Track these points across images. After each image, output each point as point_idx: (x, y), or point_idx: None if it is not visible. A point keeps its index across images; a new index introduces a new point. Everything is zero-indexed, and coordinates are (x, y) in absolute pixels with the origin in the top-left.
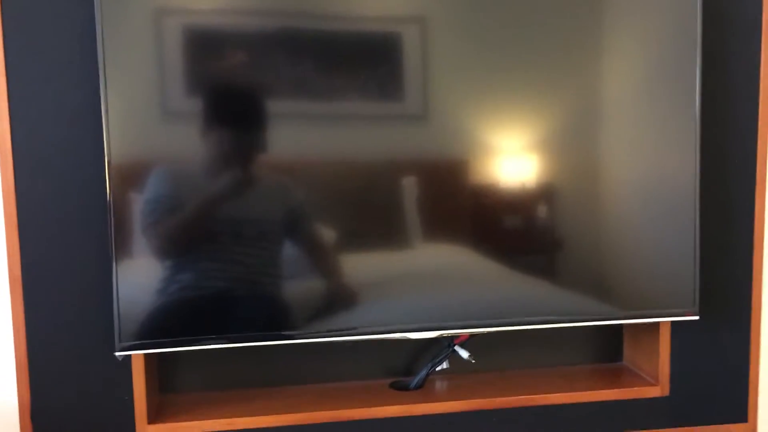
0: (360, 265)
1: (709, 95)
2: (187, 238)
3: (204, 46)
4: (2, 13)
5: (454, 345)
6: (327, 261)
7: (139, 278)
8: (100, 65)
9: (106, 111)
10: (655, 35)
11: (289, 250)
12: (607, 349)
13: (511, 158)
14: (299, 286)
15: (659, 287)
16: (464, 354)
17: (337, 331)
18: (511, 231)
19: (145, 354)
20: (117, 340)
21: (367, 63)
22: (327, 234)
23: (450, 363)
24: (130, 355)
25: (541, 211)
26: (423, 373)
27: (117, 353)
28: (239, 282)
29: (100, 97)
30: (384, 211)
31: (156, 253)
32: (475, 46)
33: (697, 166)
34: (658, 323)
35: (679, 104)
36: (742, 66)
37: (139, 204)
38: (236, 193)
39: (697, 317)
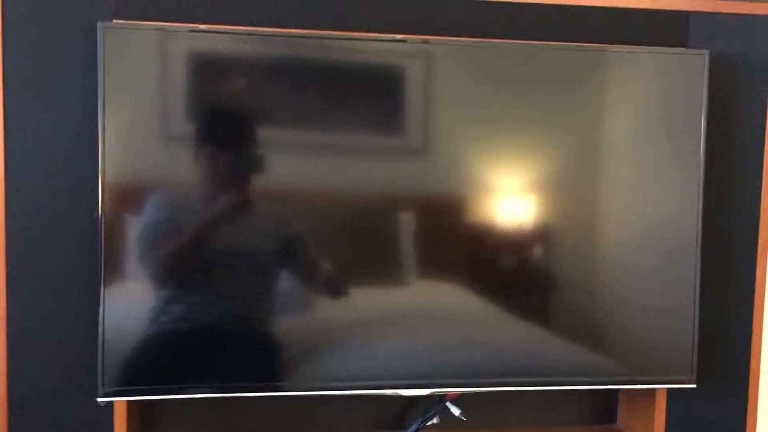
0: (354, 301)
1: (714, 149)
2: (181, 266)
3: (205, 72)
4: (2, 35)
5: (446, 401)
6: (320, 295)
7: (128, 307)
8: (100, 90)
9: (103, 132)
10: (660, 80)
11: (283, 284)
12: (601, 411)
13: (511, 198)
14: (291, 324)
15: (656, 348)
16: (456, 411)
17: (328, 383)
18: (507, 272)
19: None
20: (100, 384)
21: (370, 95)
22: (321, 267)
23: (441, 419)
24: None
25: (538, 252)
26: (413, 427)
27: (99, 399)
28: (230, 317)
29: (98, 120)
30: (379, 245)
31: (147, 281)
32: (478, 84)
33: (700, 220)
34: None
35: (683, 155)
36: (749, 120)
37: (132, 230)
38: (231, 220)
39: (695, 386)
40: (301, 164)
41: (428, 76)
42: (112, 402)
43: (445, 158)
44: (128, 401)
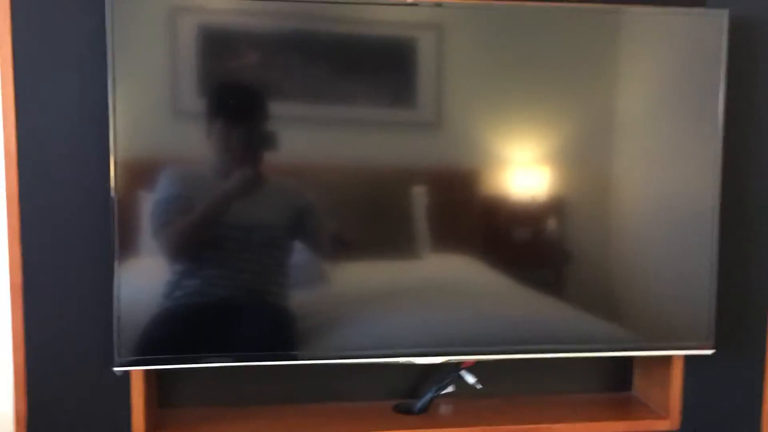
0: (369, 275)
1: (733, 115)
2: (194, 241)
3: (216, 47)
4: (11, 10)
5: (461, 370)
6: (335, 269)
7: (142, 282)
8: (109, 64)
9: (114, 109)
10: (678, 43)
11: (296, 257)
12: (616, 378)
13: (525, 169)
14: (306, 297)
15: (673, 316)
16: (471, 379)
17: (343, 352)
18: (521, 244)
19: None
20: (116, 354)
21: (382, 68)
22: (334, 240)
23: (456, 387)
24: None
25: (553, 224)
26: (428, 396)
27: (116, 369)
28: (245, 291)
29: (108, 95)
30: (393, 218)
31: (161, 256)
32: (490, 55)
33: (718, 188)
34: (670, 355)
35: (701, 121)
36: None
37: (145, 205)
38: (244, 195)
39: (712, 351)
40: (313, 138)
41: (440, 48)
42: (128, 372)
43: (458, 131)
44: (145, 373)
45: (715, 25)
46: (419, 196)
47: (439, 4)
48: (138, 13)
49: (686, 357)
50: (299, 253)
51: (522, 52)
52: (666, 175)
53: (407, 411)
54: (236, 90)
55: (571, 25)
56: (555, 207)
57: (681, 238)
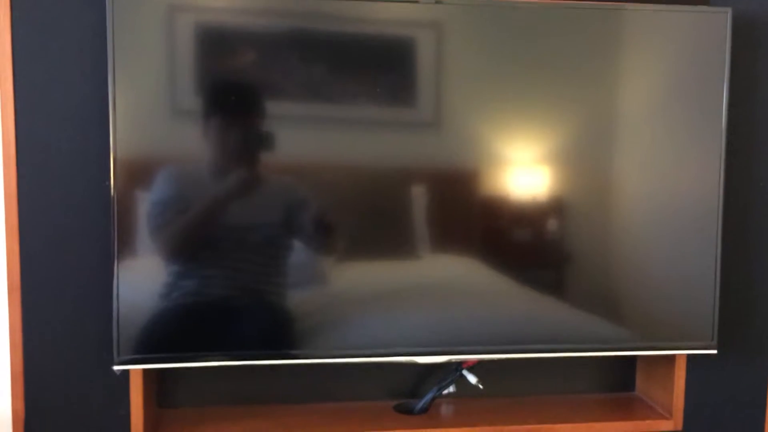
0: (367, 275)
1: (736, 114)
2: (192, 241)
3: (215, 45)
4: (11, 6)
5: (462, 369)
6: (333, 269)
7: (141, 282)
8: (110, 62)
9: (114, 108)
10: (681, 41)
11: (295, 257)
12: (619, 378)
13: (524, 170)
14: (305, 297)
15: (676, 316)
16: (472, 379)
17: (343, 351)
18: (521, 244)
19: (144, 368)
20: (116, 353)
21: (380, 67)
22: (334, 240)
23: (457, 387)
24: (128, 369)
25: (554, 224)
26: (429, 396)
27: (115, 367)
28: (243, 291)
29: (108, 95)
30: (392, 218)
31: (160, 255)
32: (490, 54)
33: (721, 188)
34: (673, 354)
35: (704, 121)
36: None
37: (144, 204)
38: (242, 194)
39: (715, 351)
40: (311, 138)
41: (440, 47)
42: (128, 371)
43: (457, 130)
44: (144, 372)
45: (719, 23)
46: (419, 195)
47: (438, 2)
48: (137, 11)
49: (689, 357)
50: (298, 253)
51: (522, 50)
52: (669, 174)
53: (408, 411)
54: (236, 89)
55: (573, 24)
56: (556, 207)
57: (684, 237)
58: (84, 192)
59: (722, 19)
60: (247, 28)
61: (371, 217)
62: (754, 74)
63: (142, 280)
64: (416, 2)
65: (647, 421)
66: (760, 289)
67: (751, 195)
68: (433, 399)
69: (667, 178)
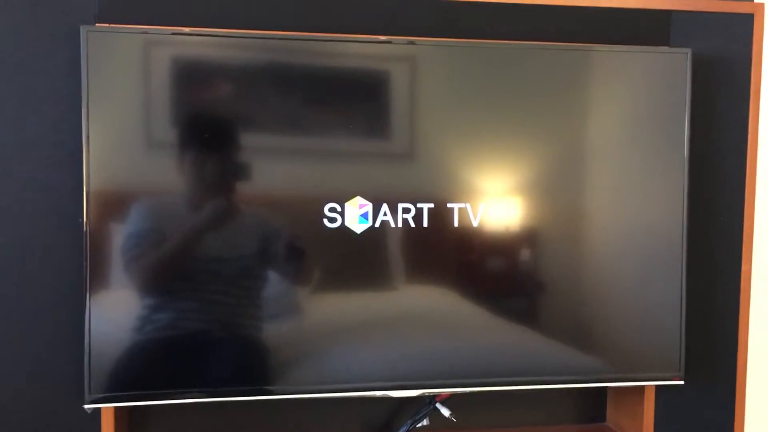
0: (342, 307)
1: (698, 148)
2: (165, 274)
3: (190, 77)
4: None
5: (436, 403)
6: (308, 301)
7: (114, 317)
8: (83, 96)
9: (88, 140)
10: (643, 80)
11: (270, 289)
12: (590, 409)
13: (497, 201)
14: (280, 330)
15: (644, 347)
16: (446, 412)
17: (317, 386)
18: (494, 274)
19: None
20: (87, 390)
21: (355, 100)
22: (308, 270)
23: (430, 420)
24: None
25: (525, 255)
26: (403, 430)
27: (86, 406)
28: (216, 325)
29: (82, 126)
30: (366, 250)
31: (133, 290)
32: (462, 86)
33: (685, 220)
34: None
35: (667, 155)
36: (731, 117)
37: (118, 237)
38: (217, 227)
39: (682, 382)
40: (286, 170)
41: (413, 80)
42: (99, 409)
43: (431, 162)
44: (116, 409)
45: (679, 62)
46: (393, 227)
47: (411, 42)
48: (112, 46)
49: (658, 387)
50: (273, 285)
51: (493, 87)
52: (634, 207)
53: None
54: (211, 122)
55: (542, 62)
56: (527, 238)
57: (650, 269)
58: (56, 227)
59: (682, 59)
60: (223, 63)
61: (346, 248)
62: (714, 111)
63: (114, 314)
64: (389, 43)
65: None
66: (725, 319)
67: (713, 227)
68: None
69: (633, 210)
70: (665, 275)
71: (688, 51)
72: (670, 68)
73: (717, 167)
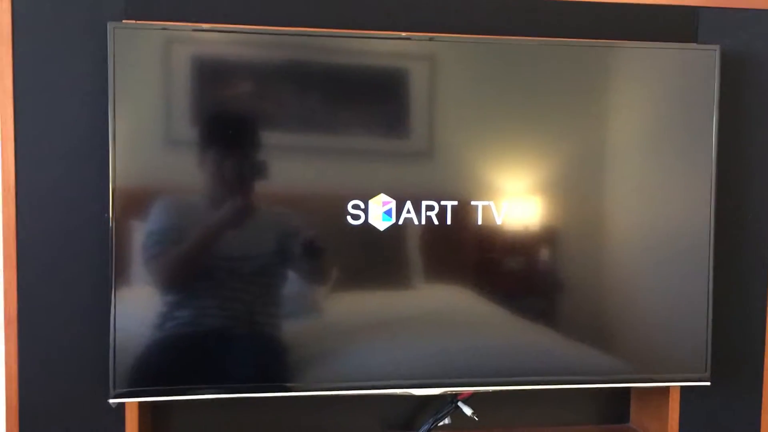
0: (362, 305)
1: (726, 147)
2: (188, 271)
3: (214, 74)
4: (12, 36)
5: (458, 401)
6: (327, 299)
7: (138, 313)
8: (110, 94)
9: (114, 135)
10: (670, 77)
11: (289, 287)
12: (613, 410)
13: (517, 200)
14: (299, 328)
15: (669, 347)
16: (468, 411)
17: (337, 383)
18: (515, 274)
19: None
20: (112, 386)
21: (375, 98)
22: (327, 269)
23: (452, 419)
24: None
25: (546, 254)
26: (424, 428)
27: (111, 400)
28: (238, 322)
29: (107, 127)
30: (386, 249)
31: (157, 286)
32: (482, 84)
33: (712, 220)
34: (667, 386)
35: (694, 154)
36: (760, 115)
37: (141, 234)
38: (236, 224)
39: (708, 383)
40: (306, 168)
41: (433, 78)
42: (123, 404)
43: (454, 160)
44: (140, 404)
45: (707, 59)
46: (412, 226)
47: (431, 38)
48: (139, 39)
49: (683, 388)
50: (292, 283)
51: (514, 84)
52: (660, 206)
53: None
54: (233, 120)
55: (564, 59)
56: (548, 237)
57: (676, 268)
58: (82, 223)
59: (711, 56)
60: (244, 60)
61: (365, 247)
62: (743, 108)
63: (138, 310)
64: (408, 39)
65: None
66: (753, 319)
67: (741, 226)
68: (429, 431)
69: (659, 210)
70: (691, 275)
71: (717, 47)
72: (698, 65)
73: (745, 167)
